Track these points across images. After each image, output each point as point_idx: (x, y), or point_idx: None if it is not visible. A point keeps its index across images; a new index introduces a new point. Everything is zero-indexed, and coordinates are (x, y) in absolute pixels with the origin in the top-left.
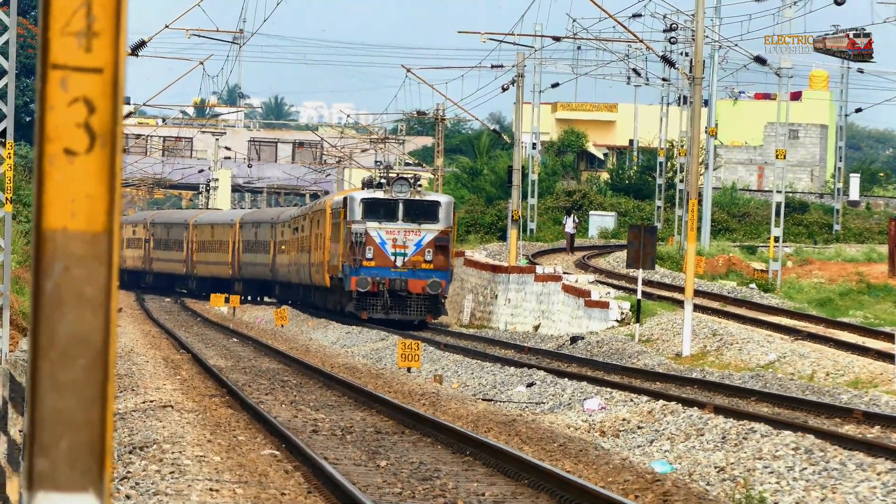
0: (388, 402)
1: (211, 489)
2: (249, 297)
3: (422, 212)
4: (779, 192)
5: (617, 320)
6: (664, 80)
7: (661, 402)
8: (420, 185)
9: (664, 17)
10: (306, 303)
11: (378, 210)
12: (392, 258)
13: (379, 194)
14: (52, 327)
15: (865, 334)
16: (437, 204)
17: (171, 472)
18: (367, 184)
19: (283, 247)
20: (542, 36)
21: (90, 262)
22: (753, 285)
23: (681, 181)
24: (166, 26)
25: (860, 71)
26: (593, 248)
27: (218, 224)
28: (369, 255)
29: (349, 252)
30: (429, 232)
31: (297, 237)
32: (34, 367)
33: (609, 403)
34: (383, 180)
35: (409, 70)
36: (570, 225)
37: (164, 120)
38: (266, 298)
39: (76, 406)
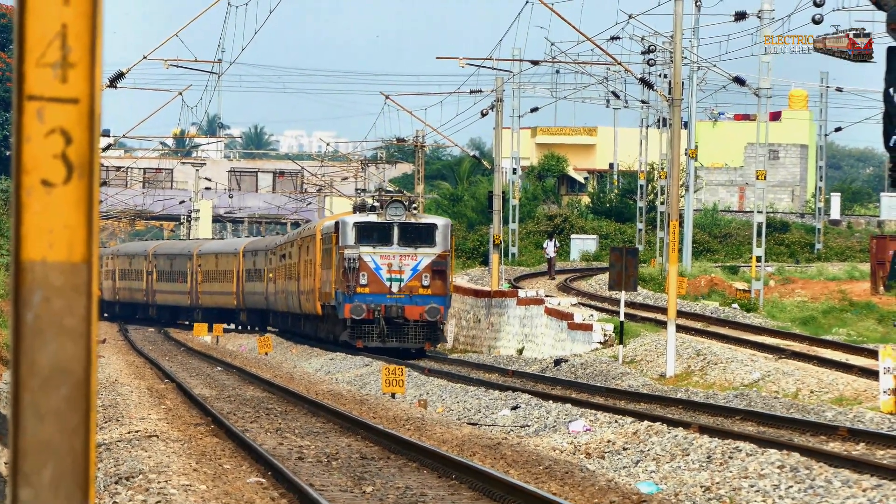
0: (373, 427)
1: None
2: (257, 328)
3: (418, 235)
4: (760, 212)
5: (600, 342)
6: (643, 102)
7: (646, 422)
8: (415, 208)
9: (642, 39)
10: (296, 332)
11: (372, 234)
12: (387, 284)
13: (372, 218)
14: (33, 357)
15: (849, 352)
16: (433, 226)
17: (157, 502)
18: (360, 207)
19: (271, 274)
20: (520, 60)
21: (69, 293)
22: (736, 305)
23: (661, 203)
24: (144, 57)
25: (839, 90)
26: (575, 271)
27: (222, 253)
28: (363, 282)
29: (342, 278)
30: (425, 256)
31: (284, 264)
32: (16, 396)
33: (594, 425)
34: (377, 203)
35: (387, 97)
36: (551, 249)
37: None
38: (269, 328)
39: (58, 435)
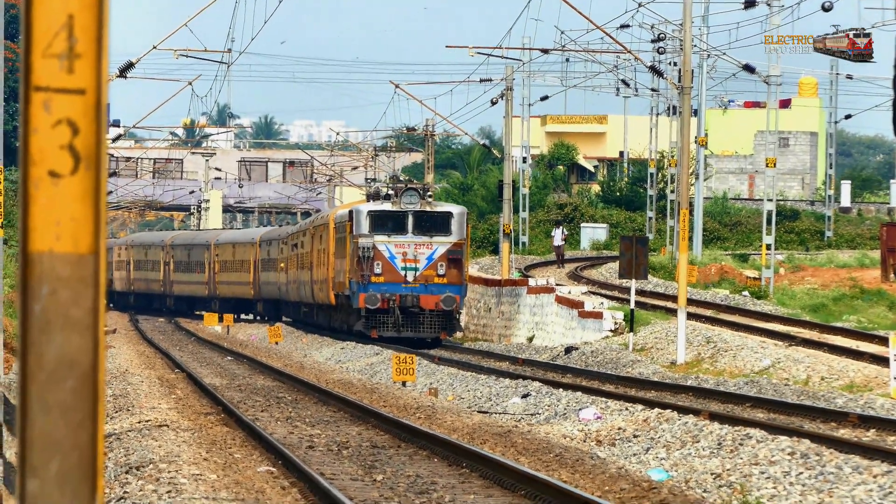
0: (383, 416)
1: None
2: (272, 318)
3: (433, 223)
4: (770, 200)
5: (611, 330)
6: (653, 90)
7: (657, 410)
8: (430, 196)
9: (652, 27)
10: (309, 322)
11: (386, 223)
12: (402, 273)
13: (387, 206)
14: (40, 350)
15: (859, 338)
16: (448, 215)
17: (167, 492)
18: (374, 195)
19: (283, 264)
20: (530, 49)
21: (76, 285)
22: (746, 293)
23: (671, 191)
24: (154, 47)
25: (849, 77)
26: (586, 259)
27: (239, 243)
28: (378, 271)
29: (356, 267)
30: (441, 245)
31: (296, 253)
32: (23, 389)
33: (604, 413)
34: (391, 191)
35: (397, 86)
36: (558, 238)
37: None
38: (284, 318)
39: (65, 428)
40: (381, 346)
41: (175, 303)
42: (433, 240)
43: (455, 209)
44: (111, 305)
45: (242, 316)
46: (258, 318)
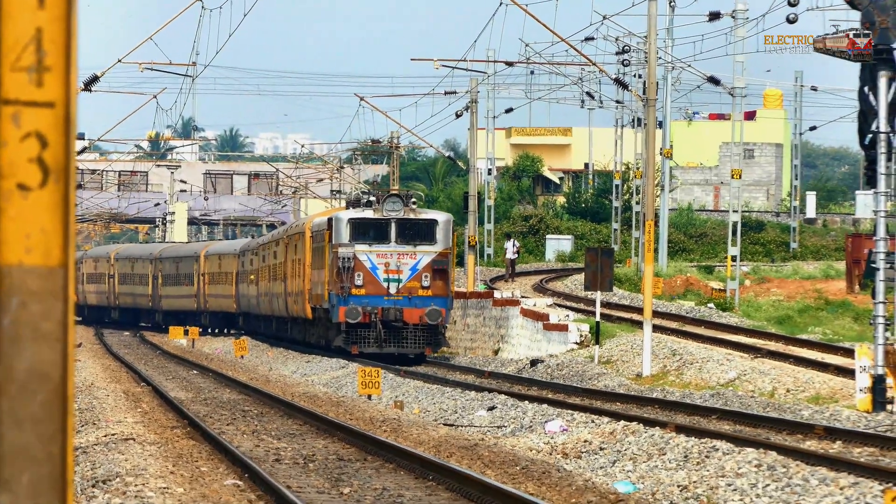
0: (349, 429)
1: None
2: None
3: (417, 232)
4: (735, 211)
5: (576, 343)
6: (618, 102)
7: (623, 422)
8: (414, 203)
9: (617, 39)
10: (282, 336)
11: (368, 231)
12: (385, 285)
13: (368, 213)
14: (10, 363)
15: (825, 350)
16: (433, 223)
17: None
18: (354, 203)
19: (252, 276)
20: (494, 61)
21: (46, 297)
22: (712, 305)
23: (637, 203)
24: (119, 61)
25: (814, 88)
26: (551, 271)
27: (225, 254)
28: (359, 282)
29: (336, 279)
30: (425, 254)
31: (268, 265)
32: None
33: (570, 425)
34: (372, 198)
35: (362, 98)
36: (511, 250)
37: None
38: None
39: (36, 440)
40: (347, 360)
41: (164, 318)
42: (417, 249)
43: (440, 216)
44: (79, 320)
45: (233, 331)
46: (244, 332)
